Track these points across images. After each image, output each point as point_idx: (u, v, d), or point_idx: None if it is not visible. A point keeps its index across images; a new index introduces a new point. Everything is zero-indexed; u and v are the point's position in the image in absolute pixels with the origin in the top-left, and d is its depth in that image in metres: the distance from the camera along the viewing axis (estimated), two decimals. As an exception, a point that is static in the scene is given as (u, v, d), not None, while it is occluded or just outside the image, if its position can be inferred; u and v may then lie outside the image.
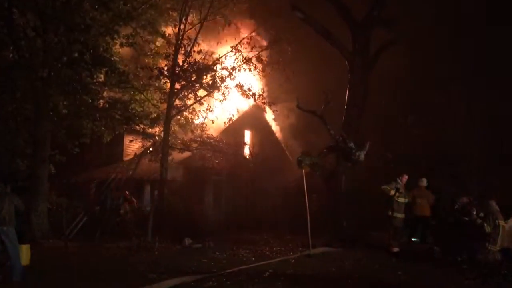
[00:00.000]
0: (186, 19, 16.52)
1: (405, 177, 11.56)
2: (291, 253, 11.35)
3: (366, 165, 14.14)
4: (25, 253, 9.23)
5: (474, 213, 10.21)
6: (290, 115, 22.03)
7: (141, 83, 16.90)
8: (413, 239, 11.76)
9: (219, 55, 17.11)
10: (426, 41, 16.94)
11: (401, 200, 11.19)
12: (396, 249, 10.97)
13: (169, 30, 17.12)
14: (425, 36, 16.63)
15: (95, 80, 15.31)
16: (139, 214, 15.67)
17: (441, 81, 17.16)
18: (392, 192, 11.09)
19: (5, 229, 7.91)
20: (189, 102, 17.27)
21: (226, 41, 18.04)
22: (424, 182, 11.69)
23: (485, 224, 9.76)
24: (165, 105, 16.76)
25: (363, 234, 13.24)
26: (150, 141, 17.93)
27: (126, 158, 21.13)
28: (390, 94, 18.33)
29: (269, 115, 23.25)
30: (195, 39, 16.68)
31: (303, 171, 11.87)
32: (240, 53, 17.04)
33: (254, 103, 18.37)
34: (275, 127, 25.03)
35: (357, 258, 10.46)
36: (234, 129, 20.74)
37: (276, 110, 18.96)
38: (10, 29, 13.76)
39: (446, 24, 16.68)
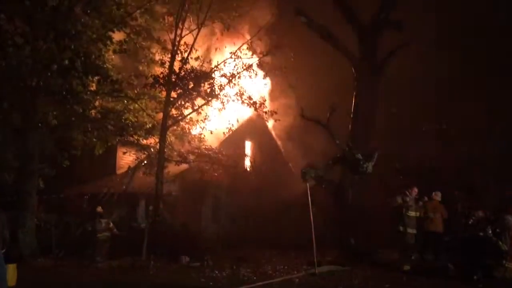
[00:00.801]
0: (182, 24, 16.57)
1: (415, 190, 11.56)
2: (295, 272, 11.31)
3: (374, 178, 14.13)
4: (11, 273, 9.20)
5: (490, 231, 10.18)
6: (293, 123, 22.01)
7: (135, 91, 16.95)
8: (424, 256, 11.72)
9: (217, 61, 17.18)
10: (441, 44, 17.01)
11: (412, 214, 11.18)
12: (407, 267, 10.93)
13: (164, 36, 17.21)
14: (439, 38, 16.70)
15: (86, 89, 15.35)
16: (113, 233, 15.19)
17: (456, 87, 17.21)
18: (399, 200, 11.10)
19: None
20: (186, 112, 17.31)
21: (225, 47, 18.14)
22: (438, 196, 11.69)
23: (500, 243, 9.73)
24: (160, 115, 16.78)
25: (372, 251, 13.20)
26: (145, 153, 17.92)
27: (119, 171, 21.14)
28: (402, 101, 18.36)
29: (271, 125, 23.31)
30: (192, 45, 16.75)
31: (307, 184, 11.88)
32: (240, 59, 17.11)
33: (255, 112, 18.40)
34: (276, 137, 25.03)
35: (365, 276, 10.42)
36: (234, 140, 20.74)
37: (279, 119, 18.97)
38: (-3, 36, 13.85)
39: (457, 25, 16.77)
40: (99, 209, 15.17)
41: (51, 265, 13.00)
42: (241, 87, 17.13)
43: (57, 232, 14.90)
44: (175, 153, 17.83)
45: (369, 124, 15.24)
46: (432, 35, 16.49)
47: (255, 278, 10.62)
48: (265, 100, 17.94)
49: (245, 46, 17.30)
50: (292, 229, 16.49)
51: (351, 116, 15.22)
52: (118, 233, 14.78)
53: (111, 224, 14.71)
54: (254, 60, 17.25)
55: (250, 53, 17.27)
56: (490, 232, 10.15)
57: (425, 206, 11.55)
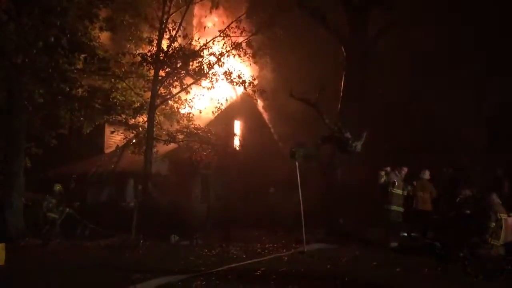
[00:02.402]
0: (170, 1, 16.33)
1: (405, 170, 11.62)
2: (284, 250, 11.37)
3: (362, 157, 14.16)
4: (-1, 252, 9.16)
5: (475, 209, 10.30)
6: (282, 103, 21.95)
7: (123, 70, 16.73)
8: (412, 234, 11.84)
9: (206, 40, 16.98)
10: (427, 20, 16.89)
11: (398, 192, 11.26)
12: (394, 245, 11.03)
13: (152, 13, 16.92)
14: (426, 15, 16.58)
15: (73, 67, 15.13)
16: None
17: (444, 64, 17.17)
18: (382, 180, 11.19)
19: None
20: (174, 91, 17.17)
21: (214, 25, 17.91)
22: (426, 174, 11.75)
23: (486, 220, 9.83)
24: (148, 94, 16.63)
25: (360, 230, 13.30)
26: (133, 132, 17.79)
27: (107, 151, 21.01)
28: (390, 79, 18.32)
29: (260, 104, 23.21)
30: (181, 23, 16.53)
31: (297, 163, 11.88)
32: (229, 38, 16.91)
33: (244, 91, 18.29)
34: (266, 117, 24.97)
35: (353, 254, 10.49)
36: (223, 120, 20.65)
37: (267, 99, 18.91)
38: (-20, 13, 13.55)
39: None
40: (57, 187, 14.54)
41: (39, 245, 12.94)
42: (230, 65, 16.98)
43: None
44: (164, 132, 17.74)
45: (358, 103, 15.20)
46: (420, 13, 16.33)
47: (244, 256, 10.65)
48: (254, 79, 17.81)
49: (233, 25, 17.09)
50: (281, 208, 16.54)
51: (341, 95, 15.18)
52: (71, 212, 14.42)
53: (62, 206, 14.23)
54: (243, 38, 17.08)
55: (240, 31, 17.07)
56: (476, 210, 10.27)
57: (414, 184, 11.62)
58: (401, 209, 11.32)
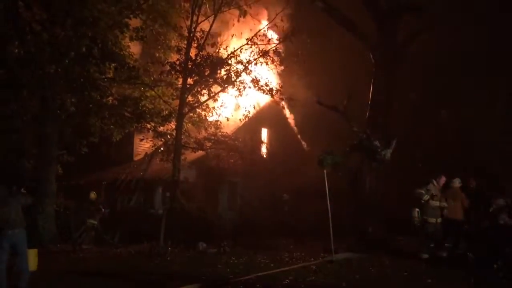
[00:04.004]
0: (199, 10, 16.48)
1: (443, 179, 11.38)
2: (312, 259, 11.27)
3: (392, 165, 13.97)
4: (32, 258, 9.29)
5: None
6: (310, 110, 21.88)
7: (152, 78, 17.00)
8: (446, 244, 11.57)
9: (234, 48, 17.09)
10: (461, 27, 16.58)
11: (435, 204, 11.03)
12: (426, 256, 10.82)
13: (181, 23, 17.15)
14: (459, 22, 16.27)
15: (104, 76, 15.43)
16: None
17: (479, 71, 16.81)
18: (426, 197, 10.94)
19: (17, 231, 7.92)
20: (202, 98, 17.30)
21: (242, 33, 18.01)
22: (457, 183, 11.49)
23: None
24: (177, 102, 16.79)
25: (390, 239, 13.10)
26: (161, 140, 18.00)
27: (136, 158, 21.30)
28: (421, 86, 18.06)
29: (288, 112, 23.18)
30: (209, 32, 16.67)
31: (325, 171, 11.80)
32: (256, 46, 16.98)
33: (271, 99, 18.30)
34: (293, 124, 24.93)
35: (383, 264, 10.33)
36: (250, 127, 20.72)
37: (295, 106, 18.87)
38: (16, 23, 13.93)
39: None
40: (92, 194, 14.82)
41: (70, 251, 13.17)
42: (258, 73, 17.03)
43: (75, 218, 15.04)
44: (192, 139, 17.88)
45: (387, 110, 15.01)
46: (453, 18, 16.02)
47: (272, 265, 10.60)
48: (281, 87, 17.82)
49: (261, 33, 17.16)
50: (309, 216, 16.43)
51: (369, 103, 15.02)
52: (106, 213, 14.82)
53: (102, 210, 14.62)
54: (271, 46, 17.13)
55: (267, 39, 17.12)
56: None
57: (445, 193, 11.37)
58: (436, 220, 11.09)
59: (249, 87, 17.02)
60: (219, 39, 17.73)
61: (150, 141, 18.54)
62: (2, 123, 15.25)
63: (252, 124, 20.83)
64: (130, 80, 16.01)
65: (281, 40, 17.19)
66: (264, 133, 23.47)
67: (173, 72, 16.39)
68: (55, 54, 14.00)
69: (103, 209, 14.65)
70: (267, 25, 17.40)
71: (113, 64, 15.16)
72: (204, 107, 17.83)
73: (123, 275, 9.62)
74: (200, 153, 18.63)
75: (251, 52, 16.99)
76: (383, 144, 12.93)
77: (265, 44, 17.09)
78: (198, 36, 16.45)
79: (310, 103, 18.08)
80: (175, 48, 16.88)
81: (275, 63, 17.33)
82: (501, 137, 15.61)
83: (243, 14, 17.09)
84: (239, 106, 18.45)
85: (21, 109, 15.37)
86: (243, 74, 16.83)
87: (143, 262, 11.32)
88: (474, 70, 17.02)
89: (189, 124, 17.83)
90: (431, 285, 8.35)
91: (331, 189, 11.68)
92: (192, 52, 16.49)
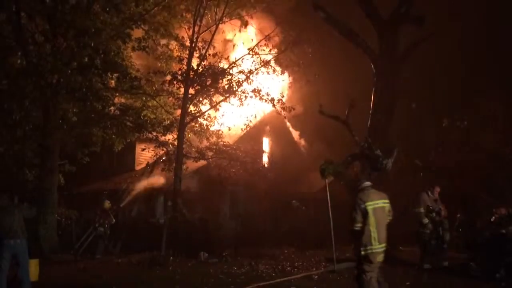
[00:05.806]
0: (200, 21, 16.59)
1: (437, 190, 11.35)
2: (314, 269, 11.26)
3: (394, 174, 13.96)
4: (33, 268, 9.32)
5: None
6: (311, 120, 21.92)
7: (154, 88, 17.07)
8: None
9: (235, 58, 17.17)
10: (461, 37, 16.67)
11: (432, 214, 11.02)
12: (427, 266, 10.79)
13: (183, 33, 17.27)
14: (459, 32, 16.37)
15: (106, 86, 15.51)
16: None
17: (478, 82, 16.89)
18: (425, 221, 10.92)
19: (19, 241, 7.96)
20: (204, 108, 17.35)
21: (243, 43, 18.10)
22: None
23: None
24: (179, 112, 16.86)
25: (392, 249, 13.04)
26: (163, 150, 18.00)
27: (138, 168, 21.32)
28: (422, 96, 18.10)
29: (289, 121, 23.21)
30: (210, 42, 16.77)
31: (326, 180, 11.81)
32: (257, 56, 17.06)
33: (273, 108, 18.36)
34: (295, 134, 24.96)
35: (385, 273, 10.28)
36: (251, 137, 20.74)
37: (296, 116, 18.90)
38: (18, 34, 14.04)
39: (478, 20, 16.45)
40: (106, 204, 15.21)
41: (71, 261, 13.17)
42: (259, 83, 17.10)
43: (77, 228, 15.07)
44: (193, 149, 17.89)
45: (389, 120, 15.04)
46: (454, 28, 16.13)
47: (273, 274, 10.59)
48: (283, 96, 17.89)
49: (262, 42, 17.25)
50: (310, 226, 16.41)
51: (370, 112, 15.05)
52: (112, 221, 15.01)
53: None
54: (272, 56, 17.20)
55: (268, 49, 17.21)
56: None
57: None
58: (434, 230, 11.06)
59: (251, 97, 17.09)
60: (220, 49, 17.81)
61: (152, 150, 18.56)
62: (5, 133, 15.32)
63: (254, 133, 20.86)
64: (132, 90, 16.07)
65: (282, 50, 17.25)
66: (266, 143, 23.49)
67: (174, 82, 16.47)
68: (58, 64, 14.06)
69: (113, 219, 14.80)
70: (267, 35, 17.45)
71: (115, 74, 15.25)
72: (205, 117, 17.88)
73: (124, 285, 9.62)
74: (202, 162, 18.62)
75: (252, 62, 17.09)
76: (385, 153, 12.91)
77: (266, 54, 17.18)
78: (199, 46, 16.56)
79: (311, 112, 18.16)
80: (177, 58, 16.96)
81: (276, 73, 17.41)
82: (501, 144, 15.63)
83: (244, 24, 17.20)
84: (240, 116, 18.45)
85: (23, 119, 15.45)
86: (245, 83, 16.90)
87: (144, 271, 11.30)
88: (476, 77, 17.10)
89: (191, 134, 17.88)
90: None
91: (332, 198, 11.67)
92: (194, 62, 16.58)
